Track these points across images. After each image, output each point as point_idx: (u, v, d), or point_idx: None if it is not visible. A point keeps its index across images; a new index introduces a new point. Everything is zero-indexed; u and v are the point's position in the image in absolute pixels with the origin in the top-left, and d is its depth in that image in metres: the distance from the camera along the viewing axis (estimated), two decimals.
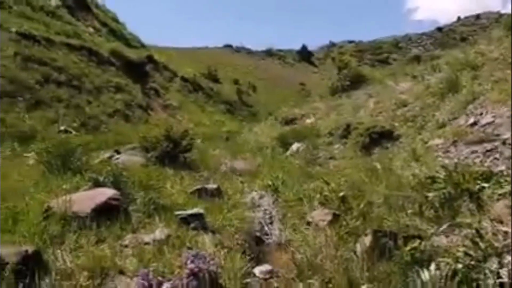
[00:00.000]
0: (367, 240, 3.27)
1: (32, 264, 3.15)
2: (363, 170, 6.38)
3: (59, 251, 3.68)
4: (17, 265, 3.08)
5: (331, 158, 8.81)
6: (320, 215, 4.67)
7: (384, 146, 8.04)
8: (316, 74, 49.65)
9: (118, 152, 8.59)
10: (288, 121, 14.27)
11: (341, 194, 5.14)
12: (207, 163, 8.63)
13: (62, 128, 10.63)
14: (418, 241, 3.19)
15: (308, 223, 4.68)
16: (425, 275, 2.76)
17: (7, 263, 3.09)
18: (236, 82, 35.45)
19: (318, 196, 5.49)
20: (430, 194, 4.27)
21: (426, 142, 6.96)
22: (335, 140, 9.86)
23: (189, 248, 3.49)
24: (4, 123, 9.80)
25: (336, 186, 5.48)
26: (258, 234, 5.12)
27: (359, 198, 4.98)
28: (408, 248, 3.14)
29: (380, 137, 8.17)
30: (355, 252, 3.26)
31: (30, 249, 3.28)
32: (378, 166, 6.12)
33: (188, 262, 2.94)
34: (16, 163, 7.31)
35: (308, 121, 13.32)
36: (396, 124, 8.72)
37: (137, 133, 9.55)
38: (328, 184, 5.46)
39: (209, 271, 2.88)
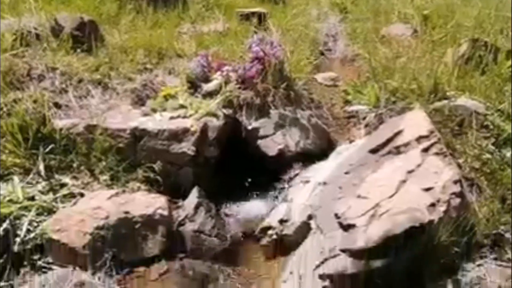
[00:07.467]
0: (462, 49, 2.78)
1: (89, 32, 2.99)
2: None
3: (115, 30, 3.53)
4: (74, 31, 2.94)
5: None
6: (398, 29, 4.09)
7: None
8: None
9: None
10: None
11: (426, 12, 4.44)
12: None
13: None
14: None
15: (383, 38, 4.15)
16: None
17: (63, 27, 2.95)
18: None
19: (396, 13, 4.80)
20: None
21: None
22: None
23: (255, 32, 3.17)
24: None
25: (420, 3, 4.71)
26: (320, 48, 4.72)
27: (447, 18, 4.27)
28: (510, 63, 2.64)
29: None
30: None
31: (86, 18, 3.08)
32: None
33: (253, 45, 2.64)
34: None
35: None
36: None
37: None
38: None
39: (275, 57, 2.58)
